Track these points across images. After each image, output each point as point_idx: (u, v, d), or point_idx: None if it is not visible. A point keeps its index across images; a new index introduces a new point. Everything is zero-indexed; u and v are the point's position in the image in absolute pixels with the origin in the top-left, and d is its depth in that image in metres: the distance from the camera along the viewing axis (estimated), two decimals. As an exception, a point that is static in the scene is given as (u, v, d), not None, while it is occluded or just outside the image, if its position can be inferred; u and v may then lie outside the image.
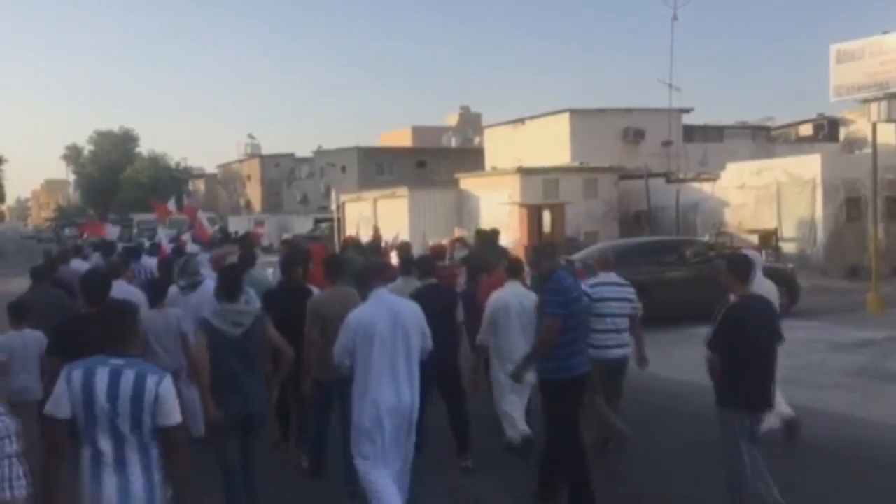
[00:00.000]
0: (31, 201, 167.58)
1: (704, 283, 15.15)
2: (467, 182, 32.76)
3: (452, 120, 72.51)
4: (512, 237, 28.10)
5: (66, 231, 67.55)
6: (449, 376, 6.87)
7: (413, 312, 5.57)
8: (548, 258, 6.11)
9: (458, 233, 29.47)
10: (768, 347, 5.41)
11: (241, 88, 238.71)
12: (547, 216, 27.68)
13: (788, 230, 23.60)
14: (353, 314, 5.48)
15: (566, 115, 34.72)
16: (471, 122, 68.20)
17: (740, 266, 5.56)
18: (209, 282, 7.06)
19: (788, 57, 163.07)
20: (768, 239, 23.34)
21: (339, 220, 34.38)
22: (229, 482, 5.11)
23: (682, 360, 10.21)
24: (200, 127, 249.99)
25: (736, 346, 5.31)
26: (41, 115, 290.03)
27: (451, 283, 8.47)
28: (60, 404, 3.57)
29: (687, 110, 35.94)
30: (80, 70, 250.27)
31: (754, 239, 23.67)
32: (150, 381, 3.57)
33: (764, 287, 6.72)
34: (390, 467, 5.40)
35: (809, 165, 23.57)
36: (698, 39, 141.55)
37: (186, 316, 6.81)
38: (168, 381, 3.65)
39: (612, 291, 7.14)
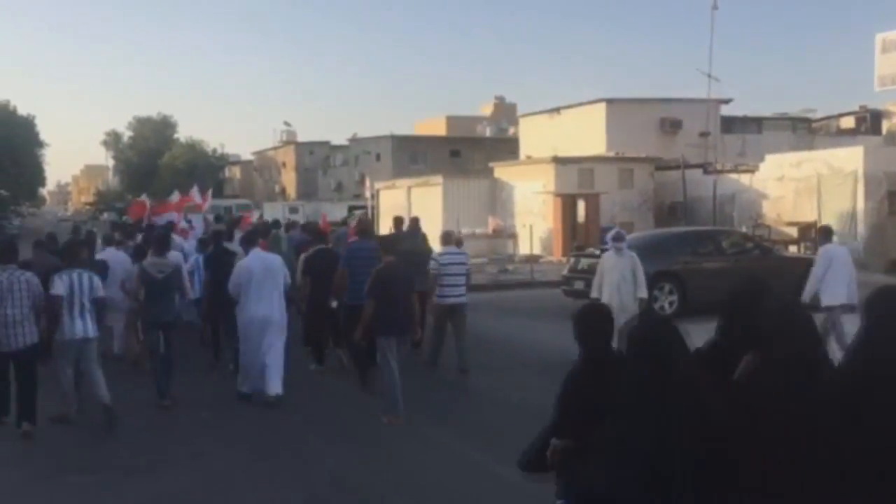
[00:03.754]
0: (72, 186, 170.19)
1: (741, 274, 15.01)
2: (502, 171, 32.67)
3: (487, 110, 72.33)
4: (546, 226, 28.07)
5: (105, 216, 68.49)
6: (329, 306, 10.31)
7: (277, 262, 9.27)
8: (360, 233, 10.50)
9: (492, 222, 29.48)
10: (402, 296, 8.15)
11: (278, 76, 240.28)
12: (581, 206, 27.53)
13: (828, 223, 23.20)
14: (239, 263, 9.29)
15: (602, 105, 34.45)
16: (506, 112, 67.95)
17: (388, 243, 9.05)
18: (175, 253, 10.96)
19: (831, 47, 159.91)
20: (807, 232, 22.99)
21: (373, 207, 34.49)
22: (154, 356, 9.01)
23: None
24: (237, 114, 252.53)
25: (382, 295, 7.97)
26: (82, 101, 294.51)
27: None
28: (59, 289, 7.93)
29: (726, 101, 35.47)
30: (120, 56, 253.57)
31: (793, 231, 23.34)
32: (95, 278, 8.32)
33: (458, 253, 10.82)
34: (261, 355, 8.79)
35: (851, 158, 23.15)
36: (738, 29, 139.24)
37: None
38: (98, 279, 8.37)
39: (452, 258, 10.52)
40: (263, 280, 8.85)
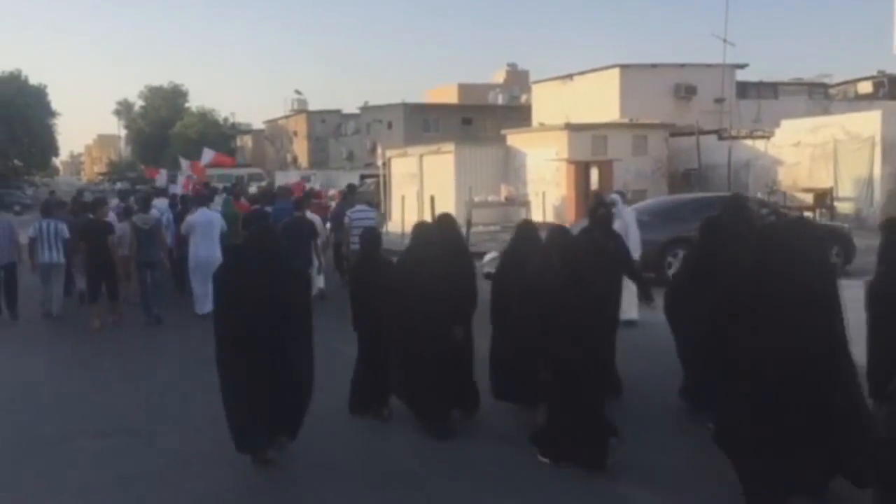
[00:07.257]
0: (84, 156, 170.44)
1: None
2: (514, 138, 32.42)
3: (499, 77, 71.64)
4: (559, 193, 27.91)
5: (118, 185, 68.61)
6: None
7: (216, 217, 12.76)
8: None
9: (505, 190, 29.31)
10: (304, 242, 11.77)
11: (289, 45, 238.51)
12: (595, 173, 27.31)
13: (844, 189, 22.96)
14: (188, 217, 12.71)
15: (616, 71, 34.07)
16: (518, 79, 67.29)
17: (299, 203, 12.74)
18: (154, 211, 13.75)
19: (848, 11, 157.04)
20: (823, 198, 22.76)
21: (384, 175, 34.36)
22: (144, 288, 12.09)
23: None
24: (248, 83, 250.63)
25: (290, 240, 9.46)
26: (94, 71, 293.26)
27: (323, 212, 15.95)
28: (30, 232, 12.75)
29: (741, 66, 34.98)
30: (132, 25, 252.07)
31: (808, 198, 23.11)
32: (60, 224, 12.68)
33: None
34: (206, 284, 11.07)
35: (868, 123, 22.84)
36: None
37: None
38: (63, 225, 12.66)
39: (361, 214, 13.27)
40: (205, 230, 12.25)
